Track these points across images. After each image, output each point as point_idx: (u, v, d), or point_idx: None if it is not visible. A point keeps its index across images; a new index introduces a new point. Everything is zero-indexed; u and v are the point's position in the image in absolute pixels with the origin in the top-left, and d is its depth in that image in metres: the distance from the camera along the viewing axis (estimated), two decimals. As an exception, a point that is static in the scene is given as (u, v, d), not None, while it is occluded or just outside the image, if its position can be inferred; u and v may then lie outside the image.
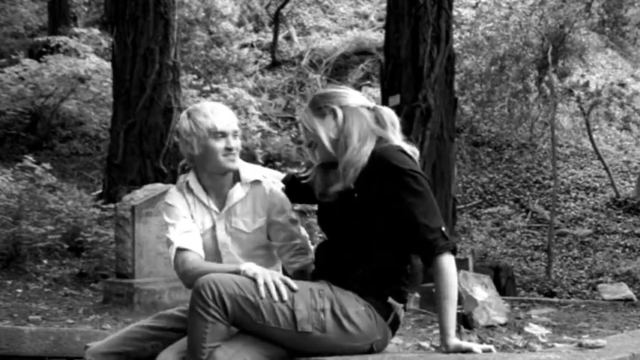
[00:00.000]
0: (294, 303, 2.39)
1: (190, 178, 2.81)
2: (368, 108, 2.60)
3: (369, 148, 2.50)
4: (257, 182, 2.80)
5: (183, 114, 2.81)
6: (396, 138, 2.56)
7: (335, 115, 2.56)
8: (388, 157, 2.45)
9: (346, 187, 2.49)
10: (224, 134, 2.72)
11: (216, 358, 2.34)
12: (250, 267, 2.46)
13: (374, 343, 2.50)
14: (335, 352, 2.44)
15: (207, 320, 2.33)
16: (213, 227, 2.79)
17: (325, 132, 2.57)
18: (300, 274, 2.76)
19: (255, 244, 2.80)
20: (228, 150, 2.72)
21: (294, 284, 2.40)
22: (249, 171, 2.83)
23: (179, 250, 2.66)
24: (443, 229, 2.42)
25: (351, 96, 2.61)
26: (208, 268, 2.55)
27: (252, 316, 2.37)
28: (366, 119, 2.55)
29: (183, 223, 2.73)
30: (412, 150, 2.55)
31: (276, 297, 2.36)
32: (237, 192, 2.78)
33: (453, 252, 2.44)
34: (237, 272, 2.45)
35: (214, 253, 2.78)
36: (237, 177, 2.81)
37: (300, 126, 2.71)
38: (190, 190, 2.80)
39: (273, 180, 2.85)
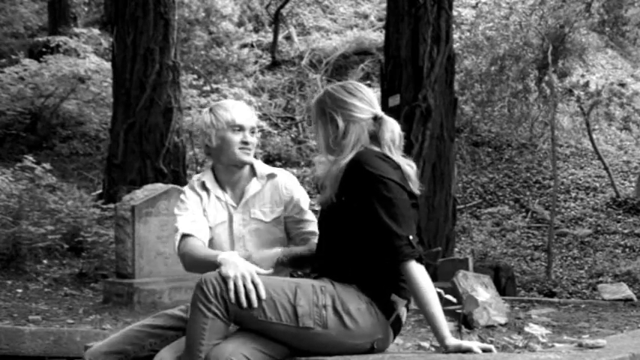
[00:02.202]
0: (297, 298, 2.41)
1: (207, 177, 2.92)
2: (375, 118, 2.60)
3: (349, 159, 2.51)
4: (272, 175, 2.91)
5: (206, 109, 2.95)
6: (393, 153, 2.56)
7: (336, 127, 2.58)
8: (362, 161, 2.48)
9: (329, 196, 2.54)
10: (242, 128, 2.85)
11: (214, 356, 2.35)
12: (226, 260, 2.46)
13: (375, 342, 2.50)
14: (336, 350, 2.45)
15: (207, 316, 2.35)
16: (230, 220, 2.87)
17: (325, 138, 2.62)
18: (300, 260, 2.81)
19: (273, 235, 2.87)
20: (245, 144, 2.84)
21: (263, 292, 2.38)
22: (264, 167, 2.95)
23: (184, 235, 2.77)
24: (411, 237, 2.44)
25: (357, 107, 2.60)
26: (198, 254, 2.67)
27: (254, 312, 2.38)
28: (364, 134, 2.56)
29: (192, 213, 2.83)
30: (408, 163, 2.56)
31: (244, 303, 2.35)
32: (254, 185, 2.89)
33: (419, 261, 2.45)
34: (215, 261, 2.50)
35: (230, 244, 2.85)
36: (253, 173, 2.92)
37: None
38: (205, 189, 2.89)
39: (287, 174, 2.96)
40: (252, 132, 2.88)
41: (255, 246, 2.83)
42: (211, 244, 2.84)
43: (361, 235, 2.50)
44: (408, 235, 2.43)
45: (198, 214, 2.84)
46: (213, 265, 2.50)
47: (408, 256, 2.42)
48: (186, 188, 2.93)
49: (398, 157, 2.56)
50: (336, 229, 2.57)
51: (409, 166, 2.56)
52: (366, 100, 2.62)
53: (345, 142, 2.55)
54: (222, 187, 2.90)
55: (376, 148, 2.55)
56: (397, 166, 2.52)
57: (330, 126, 2.60)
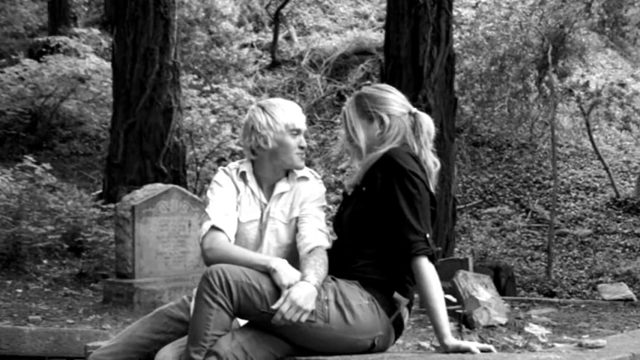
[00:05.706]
0: None
1: (246, 168, 2.81)
2: (409, 113, 2.70)
3: (385, 150, 2.59)
4: (304, 178, 2.82)
5: (255, 107, 2.82)
6: (427, 147, 2.65)
7: (382, 122, 2.66)
8: (394, 156, 2.55)
9: (355, 184, 2.63)
10: (299, 132, 2.78)
11: (217, 348, 2.37)
12: (283, 274, 2.45)
13: (375, 338, 2.52)
14: (336, 345, 2.47)
15: (213, 307, 2.37)
16: (261, 219, 2.78)
17: (366, 136, 2.67)
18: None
19: (291, 239, 2.77)
20: (301, 148, 2.78)
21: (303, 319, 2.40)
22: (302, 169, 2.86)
23: (213, 227, 2.65)
24: (427, 235, 2.49)
25: (396, 102, 2.70)
26: (237, 255, 2.55)
27: (257, 304, 2.41)
28: (405, 129, 2.66)
29: (226, 204, 2.73)
30: (435, 161, 2.65)
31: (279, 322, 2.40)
32: (283, 185, 2.80)
33: (432, 259, 2.49)
34: (266, 269, 2.47)
35: (255, 243, 2.77)
36: (286, 172, 2.83)
37: (341, 118, 2.79)
38: (244, 181, 2.79)
39: (317, 182, 2.85)
40: (305, 135, 2.81)
41: (272, 248, 2.76)
42: (237, 239, 2.74)
43: (373, 229, 2.55)
44: (425, 232, 2.49)
45: (232, 206, 2.73)
46: (262, 269, 2.48)
47: (421, 251, 2.47)
48: (221, 173, 2.81)
49: (429, 151, 2.66)
50: (348, 224, 2.62)
51: (434, 164, 2.65)
52: (400, 97, 2.73)
53: (390, 134, 2.64)
54: (259, 183, 2.80)
55: (414, 143, 2.64)
56: (423, 169, 2.59)
57: (375, 123, 2.67)
